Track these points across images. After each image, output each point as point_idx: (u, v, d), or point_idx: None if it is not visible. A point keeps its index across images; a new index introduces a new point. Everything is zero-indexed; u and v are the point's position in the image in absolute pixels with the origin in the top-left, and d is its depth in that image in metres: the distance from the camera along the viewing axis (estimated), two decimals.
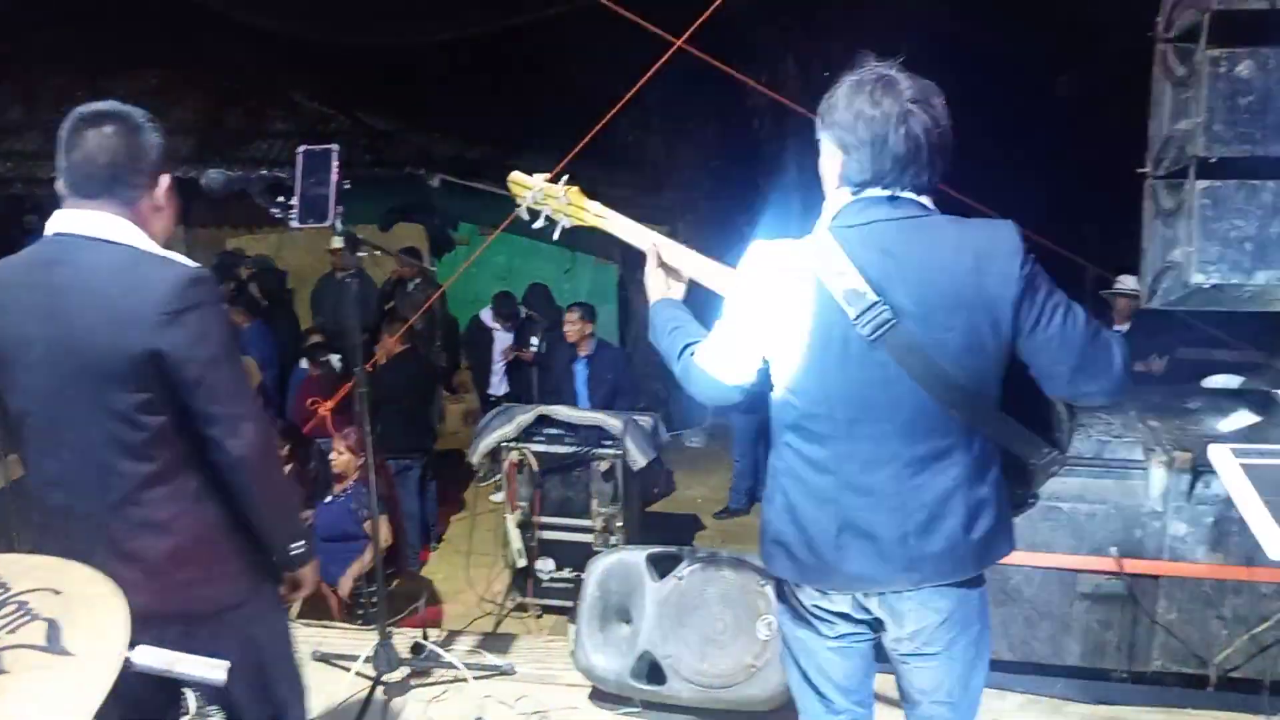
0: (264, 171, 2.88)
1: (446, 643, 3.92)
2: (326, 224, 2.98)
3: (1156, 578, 3.38)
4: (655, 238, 2.37)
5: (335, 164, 2.96)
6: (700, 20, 4.34)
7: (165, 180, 2.11)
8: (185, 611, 2.04)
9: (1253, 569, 3.28)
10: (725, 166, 9.76)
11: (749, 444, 7.14)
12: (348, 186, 3.01)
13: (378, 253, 3.92)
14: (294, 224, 2.90)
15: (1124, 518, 3.40)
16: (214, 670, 1.49)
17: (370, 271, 8.28)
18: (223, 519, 2.08)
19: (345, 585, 4.90)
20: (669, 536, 6.21)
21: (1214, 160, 3.23)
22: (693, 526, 7.19)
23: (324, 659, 3.72)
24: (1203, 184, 3.26)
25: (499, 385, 8.15)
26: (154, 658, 1.53)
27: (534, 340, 7.86)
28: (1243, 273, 3.27)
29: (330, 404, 5.24)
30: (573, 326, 6.67)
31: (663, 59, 4.48)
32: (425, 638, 3.80)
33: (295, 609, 4.28)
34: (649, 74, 4.50)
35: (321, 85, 9.45)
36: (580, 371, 6.77)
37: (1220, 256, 3.26)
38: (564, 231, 2.55)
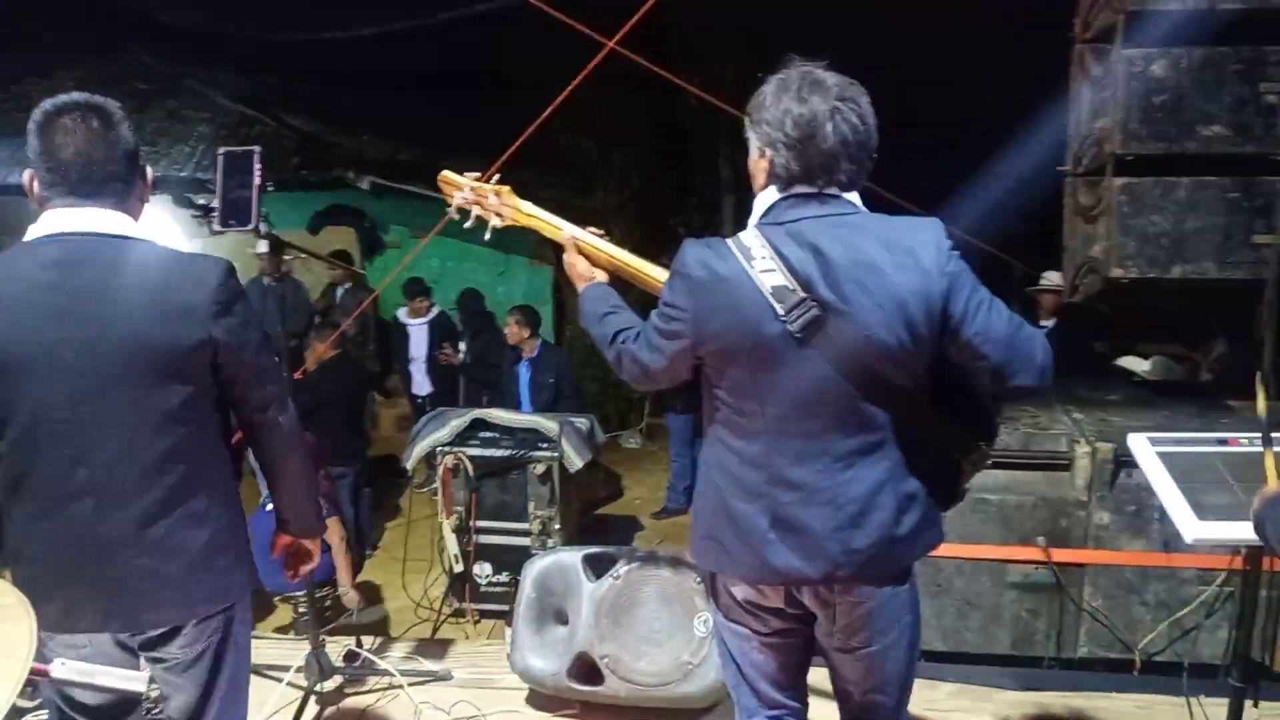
0: (183, 175, 2.81)
1: (381, 650, 3.87)
2: (249, 228, 2.92)
3: (1082, 566, 3.47)
4: (574, 230, 2.38)
5: (257, 166, 2.90)
6: (632, 22, 4.33)
7: (150, 171, 2.11)
8: (225, 599, 2.09)
9: (1172, 555, 3.38)
10: (658, 168, 9.80)
11: (685, 443, 7.17)
12: (270, 189, 2.96)
13: (304, 256, 3.85)
14: (215, 228, 2.83)
15: (1050, 508, 3.48)
16: (132, 682, 1.44)
17: (301, 276, 8.14)
18: (238, 508, 2.16)
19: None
20: (607, 538, 6.21)
21: (1131, 158, 3.32)
22: (631, 527, 7.19)
23: (254, 671, 3.63)
24: (1120, 181, 3.36)
25: (422, 385, 8.03)
26: (72, 670, 1.49)
27: (461, 346, 7.81)
28: (1159, 267, 3.37)
29: None
30: (509, 330, 6.78)
31: (595, 60, 4.46)
32: (360, 645, 3.74)
33: None
34: (581, 75, 4.48)
35: (245, 87, 9.25)
36: (523, 373, 6.77)
37: (1138, 251, 3.36)
38: (498, 234, 2.54)
